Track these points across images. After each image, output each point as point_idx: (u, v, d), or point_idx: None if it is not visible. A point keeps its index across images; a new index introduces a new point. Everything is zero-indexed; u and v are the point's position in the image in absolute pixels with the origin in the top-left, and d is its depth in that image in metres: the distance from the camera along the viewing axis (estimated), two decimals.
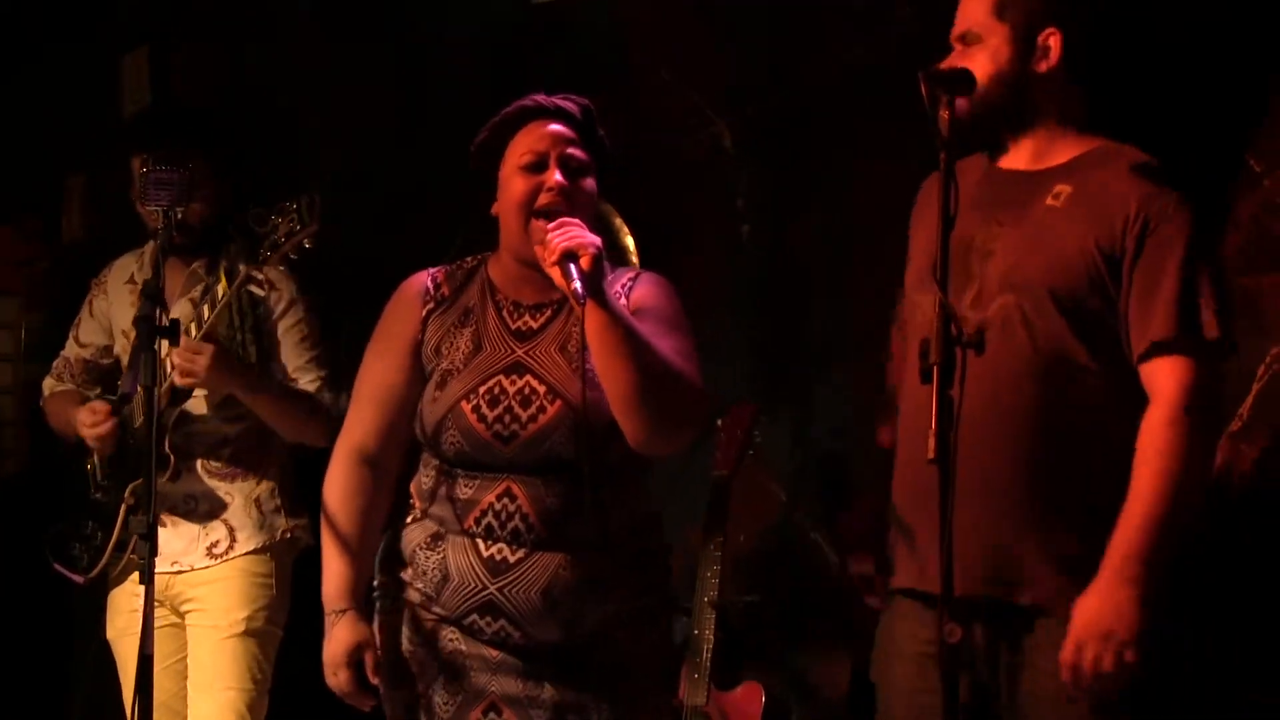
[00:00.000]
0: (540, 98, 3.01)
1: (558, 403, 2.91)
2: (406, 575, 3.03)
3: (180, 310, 3.82)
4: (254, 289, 3.86)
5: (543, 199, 2.92)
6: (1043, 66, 2.87)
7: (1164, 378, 2.74)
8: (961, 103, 2.74)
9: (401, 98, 4.96)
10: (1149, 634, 2.68)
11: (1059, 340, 2.78)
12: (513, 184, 2.97)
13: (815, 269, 4.34)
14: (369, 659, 2.98)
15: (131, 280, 4.01)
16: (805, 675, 4.22)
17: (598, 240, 2.81)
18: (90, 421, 3.88)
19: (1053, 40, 2.87)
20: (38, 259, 5.53)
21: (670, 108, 4.48)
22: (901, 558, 2.93)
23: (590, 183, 2.99)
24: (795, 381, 4.38)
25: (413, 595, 3.02)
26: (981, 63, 2.85)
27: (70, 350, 4.13)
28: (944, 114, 2.70)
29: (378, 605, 3.07)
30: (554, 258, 2.78)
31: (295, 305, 3.90)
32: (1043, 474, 2.78)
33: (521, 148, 2.97)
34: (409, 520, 3.06)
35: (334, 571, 3.04)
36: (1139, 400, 2.78)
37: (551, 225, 2.83)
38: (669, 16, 4.57)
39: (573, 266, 2.76)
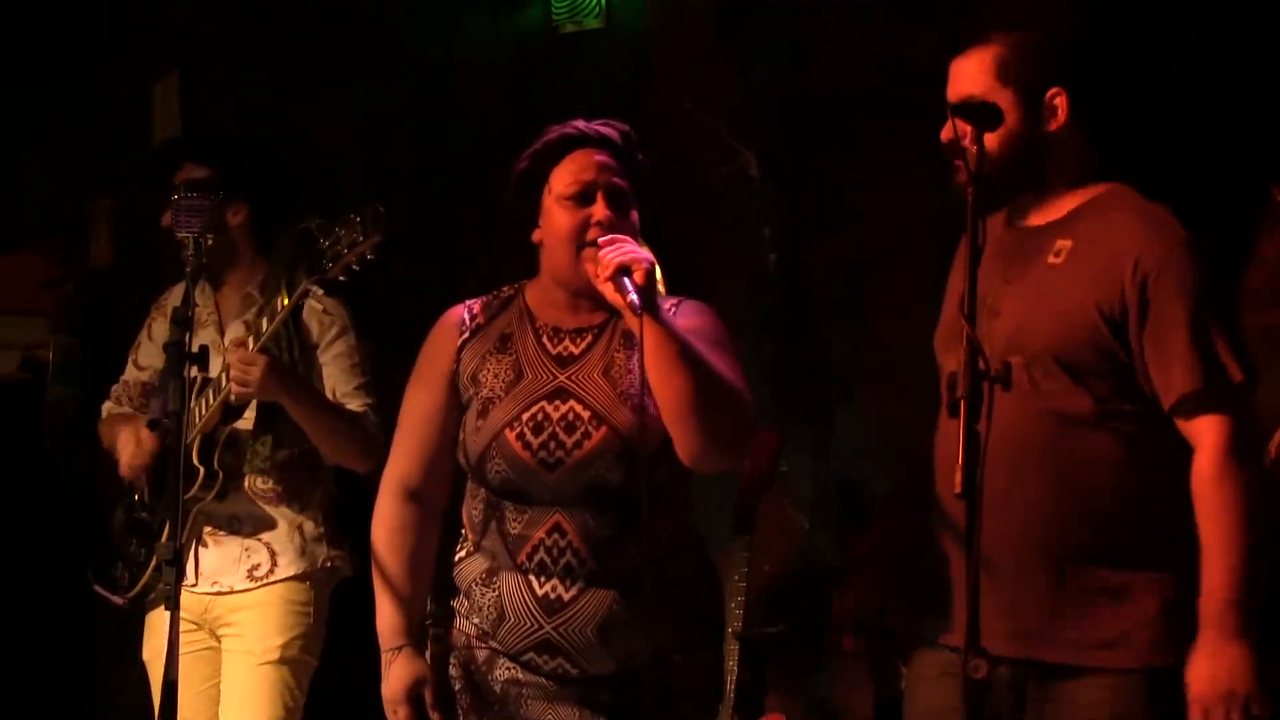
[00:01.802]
0: (581, 124, 2.98)
1: (603, 428, 2.89)
2: (462, 608, 3.03)
3: (235, 332, 3.85)
4: (308, 309, 3.85)
5: (591, 234, 2.89)
6: (1053, 125, 2.88)
7: (1202, 432, 2.75)
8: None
9: (424, 123, 4.97)
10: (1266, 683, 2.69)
11: (1065, 400, 2.79)
12: (559, 215, 2.94)
13: (835, 294, 4.35)
14: (428, 694, 2.99)
15: None
16: (829, 704, 4.22)
17: (650, 256, 2.81)
18: (130, 452, 3.89)
19: (1059, 100, 2.88)
20: (63, 280, 5.55)
21: (693, 135, 4.49)
22: (928, 607, 2.93)
23: (634, 212, 2.96)
24: (816, 407, 4.38)
25: (467, 627, 3.02)
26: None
27: (129, 374, 4.14)
28: (971, 148, 2.70)
29: (431, 634, 3.06)
30: (608, 272, 2.78)
31: (347, 333, 3.90)
32: (1058, 530, 2.79)
33: (566, 177, 2.94)
34: (462, 553, 3.06)
35: (386, 609, 3.03)
36: (1151, 449, 2.80)
37: (604, 240, 2.83)
38: (692, 44, 4.58)
39: (626, 280, 2.75)
